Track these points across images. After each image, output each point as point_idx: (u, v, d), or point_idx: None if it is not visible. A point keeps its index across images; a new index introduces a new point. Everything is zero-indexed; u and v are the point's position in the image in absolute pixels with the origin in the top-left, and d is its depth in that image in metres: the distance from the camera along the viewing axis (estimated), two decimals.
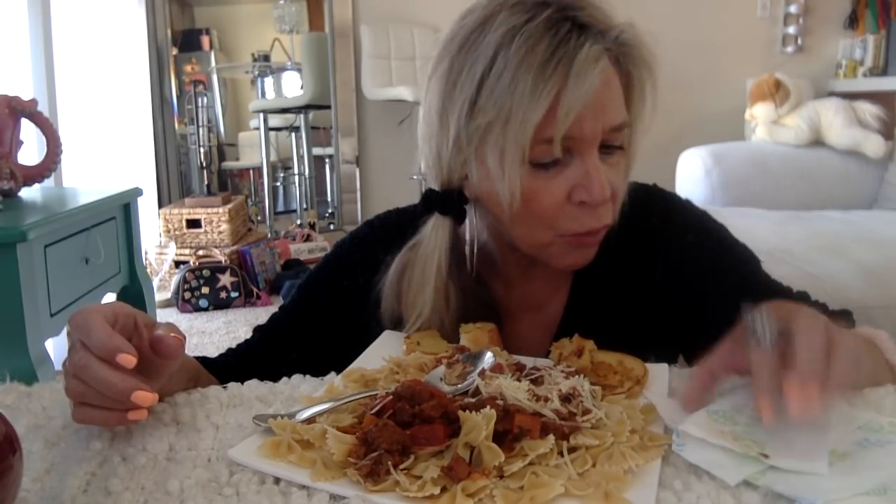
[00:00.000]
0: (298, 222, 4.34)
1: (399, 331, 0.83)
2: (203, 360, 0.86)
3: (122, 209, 1.88)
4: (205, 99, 3.87)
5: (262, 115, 4.44)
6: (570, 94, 0.68)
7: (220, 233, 3.58)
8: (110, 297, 1.92)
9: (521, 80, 0.69)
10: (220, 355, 0.91)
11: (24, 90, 2.30)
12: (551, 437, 0.53)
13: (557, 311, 0.87)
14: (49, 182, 1.90)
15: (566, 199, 0.74)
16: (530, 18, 0.70)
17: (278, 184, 5.17)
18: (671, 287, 0.85)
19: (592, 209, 0.74)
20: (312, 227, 4.17)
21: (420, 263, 0.81)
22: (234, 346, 0.93)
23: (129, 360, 0.56)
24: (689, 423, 0.56)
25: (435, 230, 0.81)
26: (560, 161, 0.73)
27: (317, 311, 0.91)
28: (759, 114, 3.07)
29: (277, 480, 0.52)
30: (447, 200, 0.80)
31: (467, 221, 0.83)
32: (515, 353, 0.75)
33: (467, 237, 0.82)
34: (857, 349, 0.57)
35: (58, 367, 2.47)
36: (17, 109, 1.75)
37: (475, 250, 0.83)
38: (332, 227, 4.40)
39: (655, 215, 0.87)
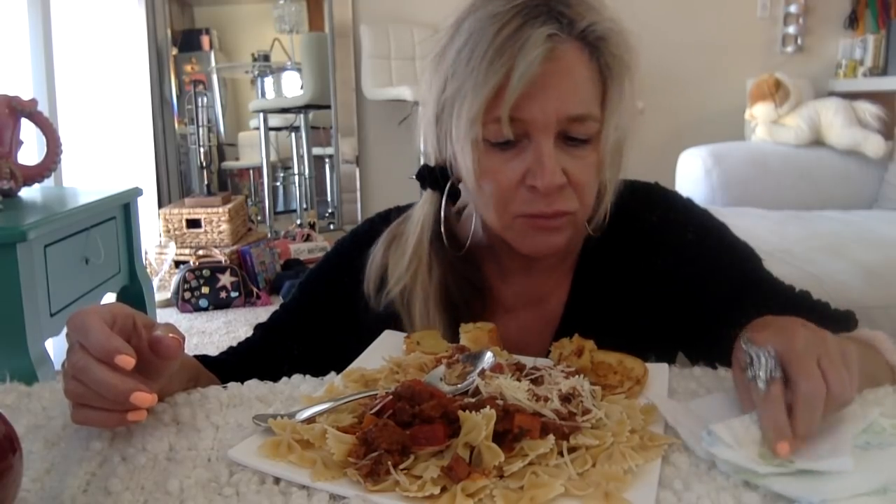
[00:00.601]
0: (298, 222, 4.34)
1: (380, 299, 0.86)
2: (203, 359, 0.86)
3: (122, 209, 1.88)
4: (205, 99, 3.86)
5: (262, 114, 4.44)
6: (514, 74, 0.70)
7: (220, 233, 3.58)
8: (110, 297, 1.92)
9: (478, 59, 0.72)
10: (221, 354, 0.92)
11: (24, 90, 2.30)
12: (551, 437, 0.53)
13: (558, 306, 0.88)
14: (49, 182, 1.90)
15: (520, 182, 0.75)
16: (507, 2, 0.73)
17: (278, 184, 5.18)
18: (671, 284, 0.85)
19: (543, 195, 0.75)
20: (312, 226, 4.17)
21: (406, 233, 0.86)
22: (234, 345, 0.94)
23: (127, 361, 0.56)
24: (722, 427, 0.55)
25: (423, 204, 0.86)
26: (517, 144, 0.74)
27: (318, 307, 0.92)
28: (759, 114, 3.07)
29: (277, 480, 0.52)
30: (433, 175, 0.83)
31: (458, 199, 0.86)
32: (516, 347, 0.75)
33: (442, 213, 0.85)
34: (851, 355, 0.57)
35: (58, 366, 2.46)
36: (17, 109, 1.75)
37: (470, 231, 0.86)
38: (332, 227, 4.40)
39: (656, 213, 0.87)
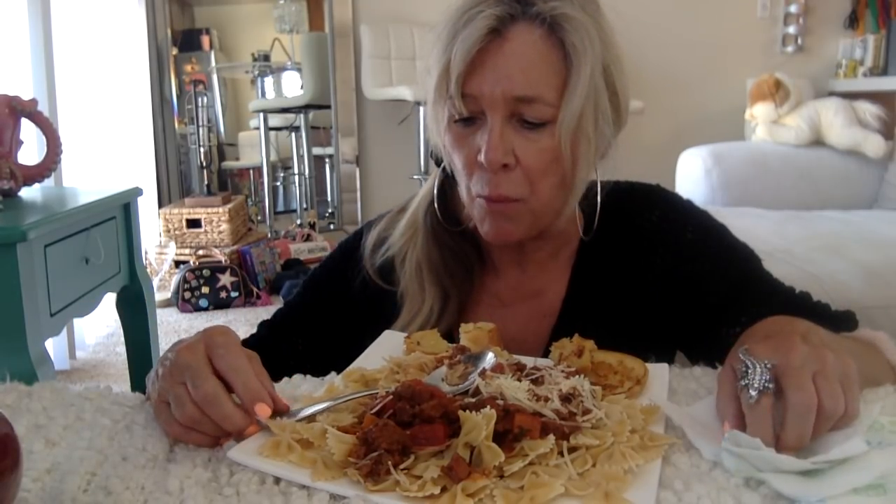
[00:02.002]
0: (298, 222, 4.34)
1: (374, 259, 0.90)
2: None
3: (122, 209, 1.88)
4: (205, 99, 3.86)
5: (262, 114, 4.44)
6: (454, 51, 0.74)
7: (220, 233, 3.58)
8: (110, 297, 1.92)
9: (438, 42, 0.76)
10: None
11: (24, 90, 2.30)
12: (551, 437, 0.53)
13: (556, 300, 0.88)
14: (49, 182, 1.90)
15: (475, 159, 0.77)
16: None
17: (278, 184, 5.17)
18: (670, 283, 0.85)
19: (490, 173, 0.76)
20: (312, 226, 4.17)
21: (411, 205, 0.91)
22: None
23: (265, 411, 0.58)
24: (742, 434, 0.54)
25: (430, 180, 0.90)
26: (476, 121, 0.77)
27: (322, 302, 0.94)
28: (759, 114, 3.07)
29: (277, 480, 0.52)
30: (436, 153, 0.87)
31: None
32: (514, 340, 0.76)
33: (435, 189, 0.89)
34: (852, 373, 0.56)
35: (58, 366, 2.46)
36: (17, 109, 1.75)
37: (465, 212, 0.88)
38: (332, 227, 4.39)
39: (655, 213, 0.88)
